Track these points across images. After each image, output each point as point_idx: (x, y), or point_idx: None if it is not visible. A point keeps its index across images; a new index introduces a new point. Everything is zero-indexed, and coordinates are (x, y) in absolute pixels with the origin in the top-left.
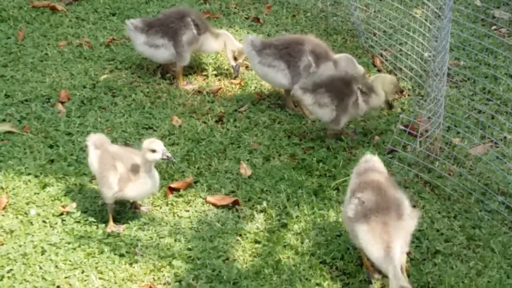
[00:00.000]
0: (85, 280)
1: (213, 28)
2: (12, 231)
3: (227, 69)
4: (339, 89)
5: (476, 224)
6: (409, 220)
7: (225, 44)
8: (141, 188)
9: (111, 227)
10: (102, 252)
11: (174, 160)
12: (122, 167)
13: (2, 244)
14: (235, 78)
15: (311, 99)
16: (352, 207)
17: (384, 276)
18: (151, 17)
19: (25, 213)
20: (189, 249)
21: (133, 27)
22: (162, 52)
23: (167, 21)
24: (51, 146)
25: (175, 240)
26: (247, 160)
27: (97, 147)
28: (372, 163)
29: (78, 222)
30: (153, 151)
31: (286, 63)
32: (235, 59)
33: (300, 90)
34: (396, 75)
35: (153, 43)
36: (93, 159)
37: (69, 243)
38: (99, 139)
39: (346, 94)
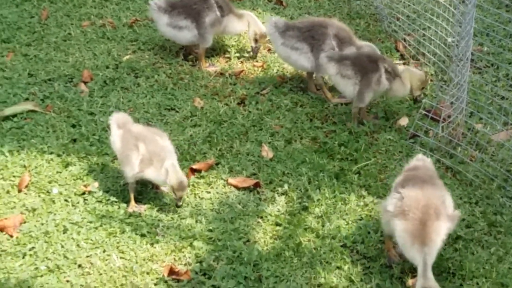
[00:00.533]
0: (107, 259)
1: (236, 9)
2: (34, 210)
3: (250, 52)
4: (364, 65)
5: (498, 210)
6: (449, 220)
7: (248, 24)
8: (160, 173)
9: (133, 207)
10: (123, 231)
11: (179, 205)
12: (144, 148)
13: (25, 222)
14: (254, 58)
15: (335, 68)
16: (394, 201)
17: (405, 261)
18: None
19: (48, 191)
20: (210, 231)
21: (157, 8)
22: (185, 33)
23: (190, 2)
24: (73, 126)
25: (196, 221)
26: (269, 142)
27: (120, 126)
28: (422, 162)
29: (100, 201)
30: (173, 190)
31: (309, 46)
32: (256, 40)
33: (326, 58)
34: (418, 60)
35: (176, 24)
36: (116, 137)
37: (90, 222)
38: (122, 118)
39: (371, 70)
